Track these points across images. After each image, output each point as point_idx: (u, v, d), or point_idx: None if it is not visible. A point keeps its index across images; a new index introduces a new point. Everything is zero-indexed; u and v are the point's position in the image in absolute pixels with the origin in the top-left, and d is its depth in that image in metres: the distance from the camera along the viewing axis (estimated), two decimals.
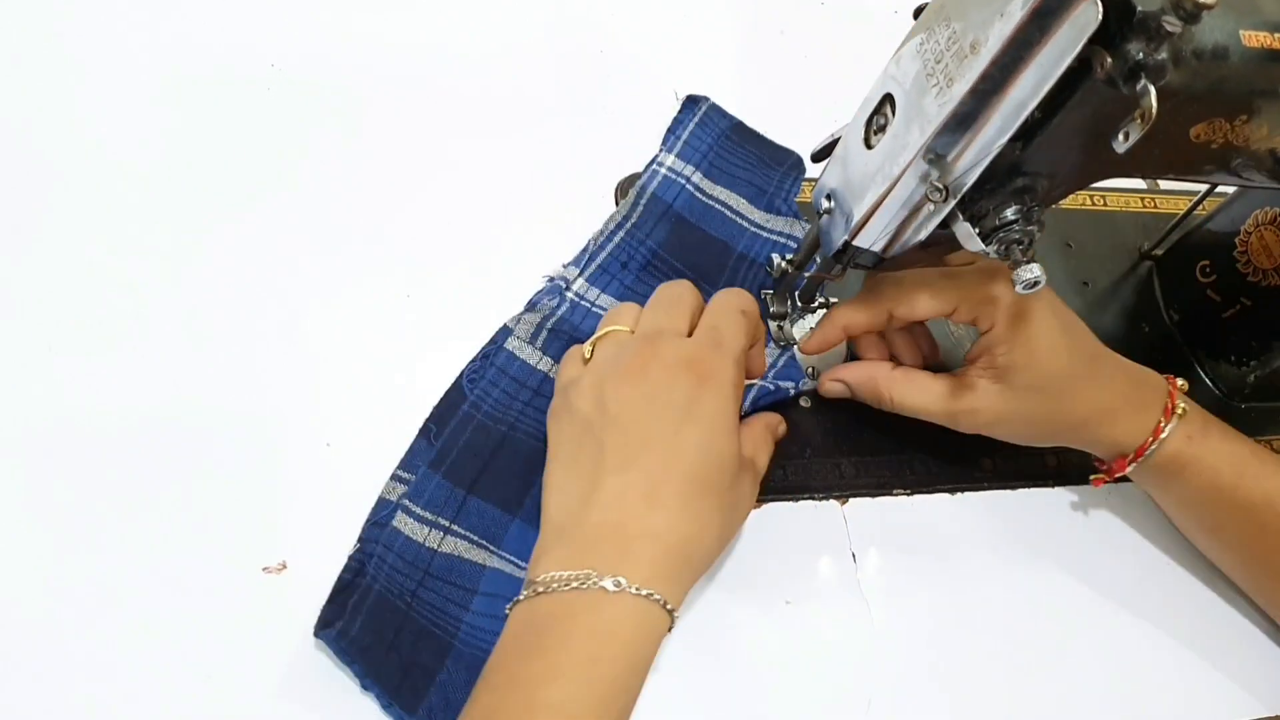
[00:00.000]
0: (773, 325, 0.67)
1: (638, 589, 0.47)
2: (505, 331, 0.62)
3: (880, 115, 0.54)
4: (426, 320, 0.63)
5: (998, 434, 0.61)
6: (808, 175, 0.75)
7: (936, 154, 0.50)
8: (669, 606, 0.48)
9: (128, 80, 0.68)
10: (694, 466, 0.51)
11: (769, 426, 0.60)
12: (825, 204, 0.58)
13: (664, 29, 0.83)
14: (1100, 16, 0.43)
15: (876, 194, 0.53)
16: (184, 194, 0.64)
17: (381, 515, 0.55)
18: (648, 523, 0.49)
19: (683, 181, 0.71)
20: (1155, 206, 0.87)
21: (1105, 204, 0.85)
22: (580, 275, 0.65)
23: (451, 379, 0.60)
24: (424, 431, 0.58)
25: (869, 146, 0.54)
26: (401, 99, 0.72)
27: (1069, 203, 0.84)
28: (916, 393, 0.61)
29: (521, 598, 0.48)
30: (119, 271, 0.60)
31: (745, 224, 0.72)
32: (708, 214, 0.71)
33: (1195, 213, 0.80)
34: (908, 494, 0.65)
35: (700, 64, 0.82)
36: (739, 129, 0.77)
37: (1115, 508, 0.69)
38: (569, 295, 0.64)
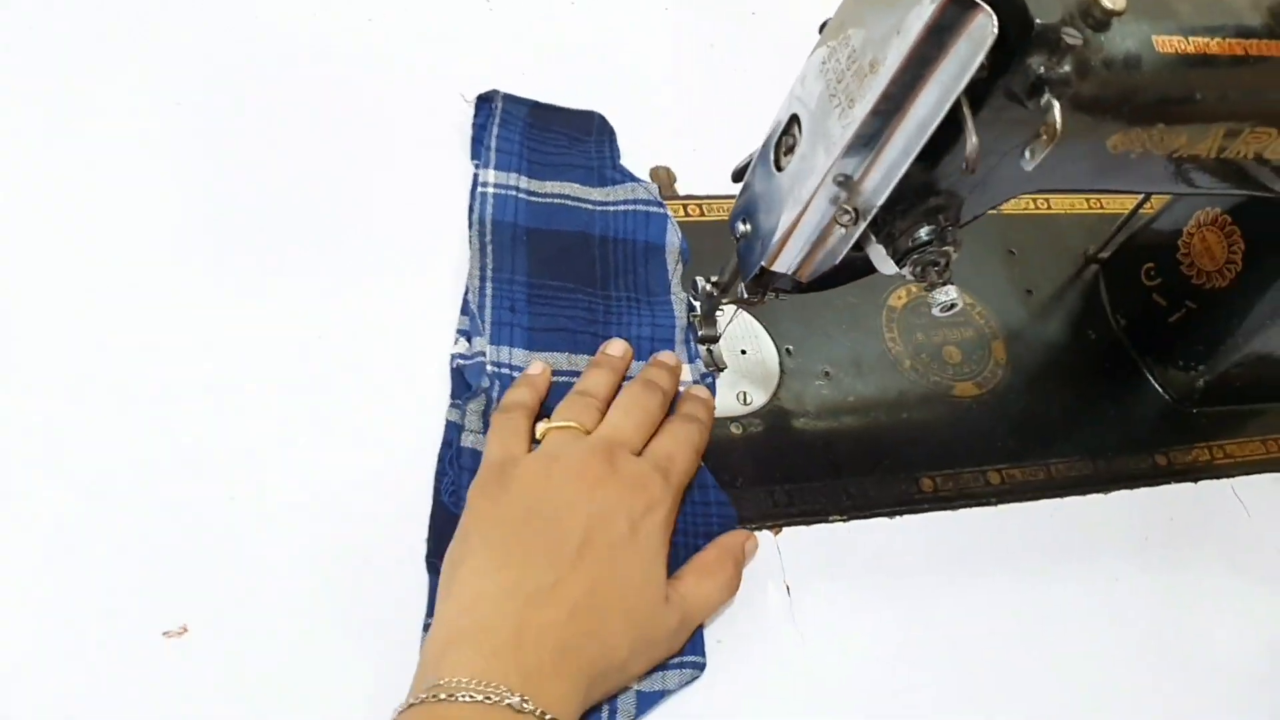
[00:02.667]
0: (702, 350, 0.65)
1: (543, 713, 0.44)
2: (455, 428, 0.59)
3: (789, 136, 0.52)
4: (336, 364, 0.61)
5: None
6: (732, 192, 0.73)
7: (845, 176, 0.49)
8: None
9: None
10: (627, 590, 0.50)
11: (727, 550, 0.57)
12: (741, 228, 0.56)
13: (590, 47, 0.82)
14: (996, 30, 0.41)
15: (788, 217, 0.52)
16: (81, 243, 0.62)
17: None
18: (572, 641, 0.47)
19: (513, 193, 0.69)
20: (1101, 207, 0.85)
21: (1049, 206, 0.83)
22: (484, 340, 0.62)
23: (367, 418, 0.59)
24: (431, 568, 0.54)
25: (779, 169, 0.53)
26: (283, 117, 0.71)
27: (1010, 207, 0.81)
28: None
29: (423, 698, 0.44)
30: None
31: (590, 206, 0.70)
32: (551, 214, 0.69)
33: (1142, 211, 0.78)
34: (844, 520, 0.63)
35: (628, 81, 0.80)
36: (537, 112, 0.74)
37: (1060, 525, 0.67)
38: (488, 368, 0.61)
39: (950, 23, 0.42)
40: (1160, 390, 0.75)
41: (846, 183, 0.49)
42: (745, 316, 0.67)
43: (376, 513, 0.56)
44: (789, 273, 0.55)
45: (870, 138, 0.47)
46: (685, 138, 0.77)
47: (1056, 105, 0.43)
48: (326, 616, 0.52)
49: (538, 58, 0.79)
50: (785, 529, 0.62)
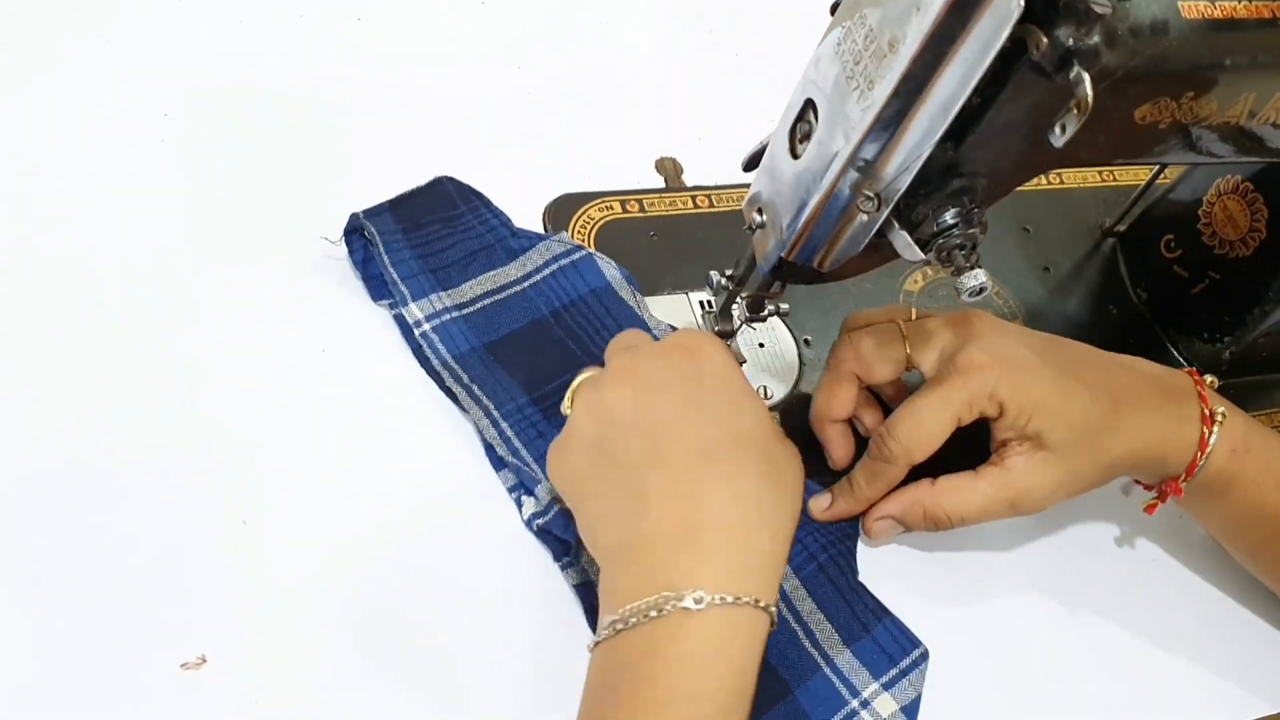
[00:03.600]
0: None
1: (723, 598, 0.42)
2: (586, 589, 0.55)
3: (804, 122, 0.50)
4: (345, 379, 0.59)
5: (1057, 501, 0.57)
6: (741, 181, 0.71)
7: (865, 161, 0.47)
8: (763, 604, 0.44)
9: None
10: (729, 431, 0.47)
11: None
12: (757, 217, 0.55)
13: (586, 38, 0.80)
14: (1022, 4, 0.39)
15: (807, 206, 0.50)
16: (78, 261, 0.60)
17: None
18: (709, 511, 0.45)
19: (448, 317, 0.61)
20: (1114, 179, 0.83)
21: (1062, 181, 0.82)
22: (545, 486, 0.56)
23: (379, 438, 0.57)
24: None
25: (795, 156, 0.51)
26: (296, 139, 0.69)
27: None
28: (968, 499, 0.56)
29: (601, 637, 0.44)
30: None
31: (518, 288, 0.63)
32: (491, 318, 0.62)
33: (1157, 182, 0.77)
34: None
35: (626, 70, 0.78)
36: (399, 213, 0.64)
37: (1091, 509, 0.65)
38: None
39: None
40: (1186, 363, 0.73)
41: (867, 168, 0.47)
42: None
43: (397, 531, 0.55)
44: (808, 263, 0.53)
45: (891, 120, 0.45)
46: (689, 127, 0.75)
47: (1087, 78, 0.41)
48: (351, 643, 0.50)
49: (532, 51, 0.77)
50: None
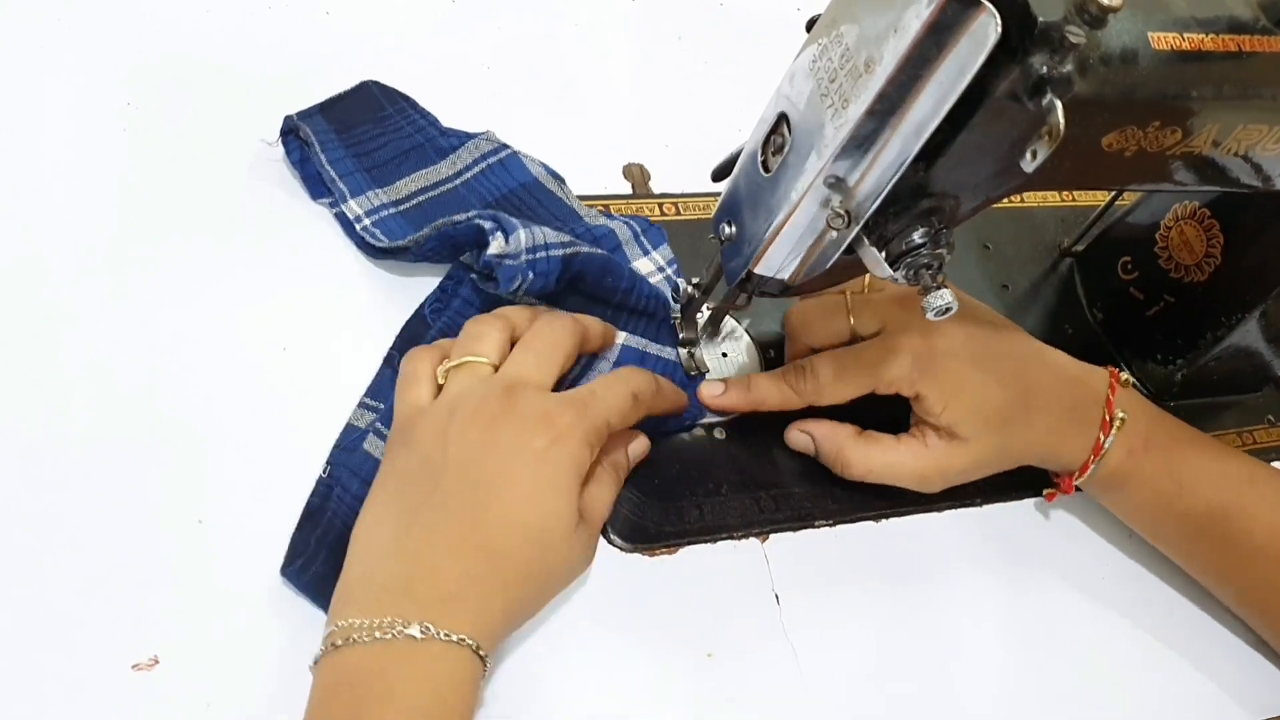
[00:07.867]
0: (683, 353, 0.64)
1: (446, 634, 0.45)
2: (463, 269, 0.60)
3: (777, 135, 0.50)
4: (303, 378, 0.58)
5: (958, 483, 0.62)
6: (708, 190, 0.71)
7: (837, 178, 0.47)
8: (482, 651, 0.46)
9: None
10: (519, 519, 0.49)
11: (615, 465, 0.57)
12: (726, 230, 0.55)
13: (555, 41, 0.80)
14: (999, 30, 0.40)
15: (777, 220, 0.50)
16: (42, 253, 0.59)
17: (350, 440, 0.55)
18: (460, 565, 0.47)
19: (386, 213, 0.64)
20: (1074, 200, 0.84)
21: (1023, 200, 0.82)
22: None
23: (334, 441, 0.56)
24: (388, 360, 0.58)
25: (766, 170, 0.51)
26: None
27: None
28: (885, 458, 0.60)
29: (324, 650, 0.45)
30: None
31: (449, 186, 0.66)
32: (426, 213, 0.64)
33: (1117, 204, 0.78)
34: (830, 525, 0.62)
35: (595, 75, 0.78)
36: (330, 115, 0.67)
37: (1044, 521, 0.66)
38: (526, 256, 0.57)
39: (951, 21, 0.41)
40: (1138, 384, 0.75)
41: (839, 185, 0.47)
42: (726, 319, 0.65)
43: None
44: (776, 276, 0.53)
45: (865, 139, 0.45)
46: (657, 134, 0.75)
47: (1059, 105, 0.41)
48: (305, 644, 0.50)
49: (502, 52, 0.77)
50: (772, 536, 0.60)
